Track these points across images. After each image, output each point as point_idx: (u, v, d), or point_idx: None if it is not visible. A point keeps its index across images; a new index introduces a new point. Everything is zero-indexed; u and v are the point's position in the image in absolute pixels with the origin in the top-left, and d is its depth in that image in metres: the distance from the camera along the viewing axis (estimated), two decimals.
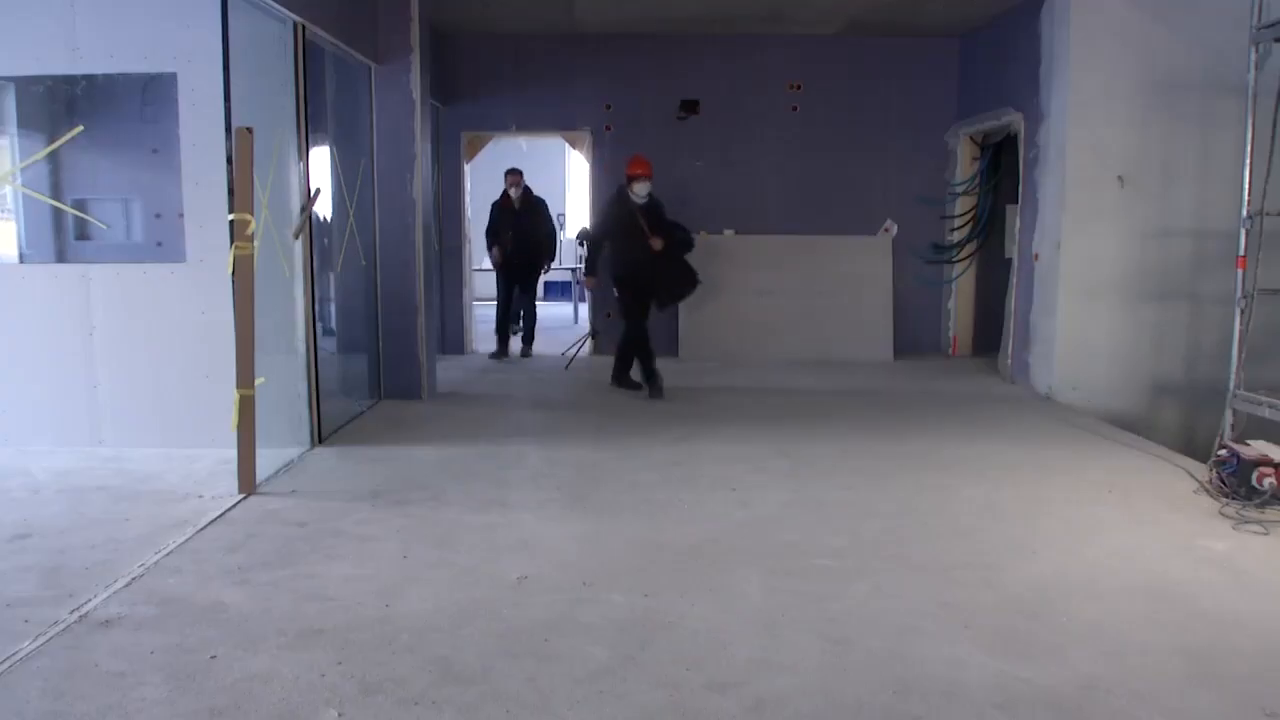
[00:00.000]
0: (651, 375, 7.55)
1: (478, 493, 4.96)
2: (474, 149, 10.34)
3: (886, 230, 9.60)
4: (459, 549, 4.10)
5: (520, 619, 3.37)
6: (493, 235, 9.74)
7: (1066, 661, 3.08)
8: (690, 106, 9.78)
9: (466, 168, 10.15)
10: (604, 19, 9.13)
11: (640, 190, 7.47)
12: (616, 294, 7.80)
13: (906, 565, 3.94)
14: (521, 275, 9.95)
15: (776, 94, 9.79)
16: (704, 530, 4.35)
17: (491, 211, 9.86)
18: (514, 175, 9.69)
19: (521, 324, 10.14)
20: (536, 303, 10.35)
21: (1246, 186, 5.56)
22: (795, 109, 9.74)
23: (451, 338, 10.05)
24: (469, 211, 10.31)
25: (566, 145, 12.45)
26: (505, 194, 9.74)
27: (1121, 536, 4.33)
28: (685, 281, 7.80)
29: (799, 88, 9.82)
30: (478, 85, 9.88)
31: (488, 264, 10.14)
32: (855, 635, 3.26)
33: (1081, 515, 4.64)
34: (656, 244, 7.43)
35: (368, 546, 4.12)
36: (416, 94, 7.25)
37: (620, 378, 7.81)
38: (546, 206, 10.18)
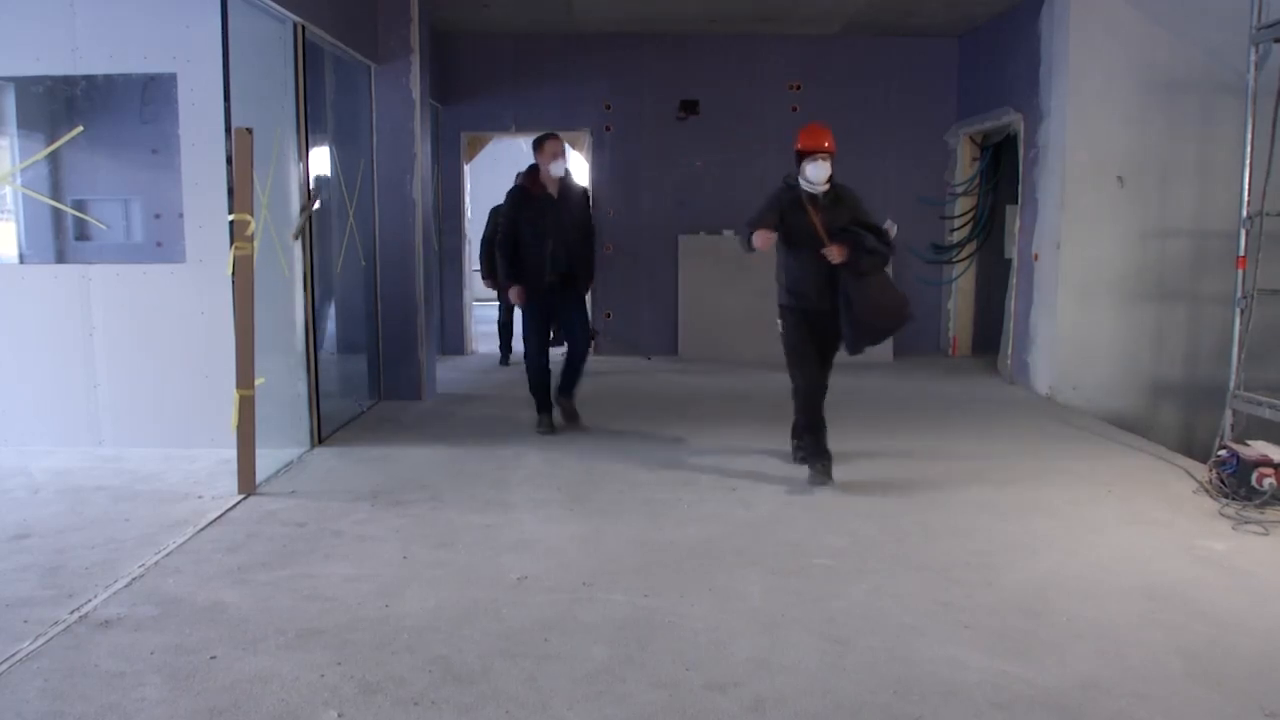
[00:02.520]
0: (819, 452, 5.18)
1: (477, 493, 4.96)
2: (474, 149, 10.34)
3: (886, 230, 9.59)
4: (458, 549, 4.10)
5: (520, 619, 3.37)
6: (511, 247, 6.15)
7: (1066, 661, 3.08)
8: (690, 107, 9.79)
9: (466, 168, 10.15)
10: (603, 19, 9.13)
11: (815, 174, 5.07)
12: (780, 327, 5.34)
13: (906, 565, 3.94)
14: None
15: (776, 94, 9.79)
16: (704, 530, 4.35)
17: (511, 204, 6.21)
18: (553, 142, 6.10)
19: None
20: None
21: (1246, 187, 5.56)
22: (795, 109, 9.74)
23: (451, 338, 10.05)
24: (469, 212, 10.30)
25: (566, 146, 12.43)
26: (532, 175, 6.13)
27: (1121, 537, 4.33)
28: (887, 311, 5.11)
29: (799, 88, 9.82)
30: (477, 85, 9.88)
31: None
32: (855, 635, 3.26)
33: (1081, 515, 4.64)
34: (835, 254, 4.94)
35: (367, 547, 4.12)
36: (416, 94, 7.25)
37: (810, 455, 5.22)
38: (589, 198, 6.91)
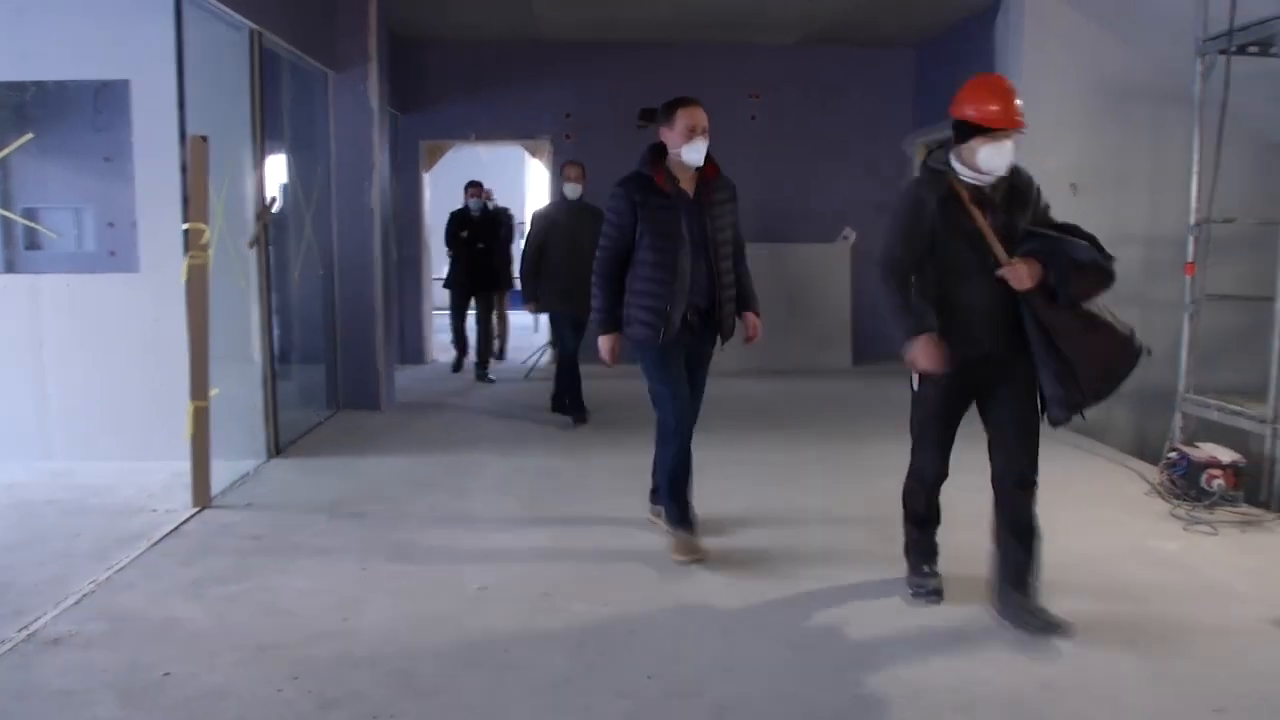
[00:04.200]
0: (929, 552, 3.83)
1: (438, 503, 4.93)
2: (433, 157, 10.29)
3: (845, 238, 9.67)
4: (418, 560, 4.07)
5: (480, 630, 3.35)
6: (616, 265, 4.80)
7: (1019, 667, 3.11)
8: (650, 115, 9.56)
9: (426, 176, 10.10)
10: (564, 27, 9.13)
11: (994, 162, 3.29)
12: (914, 383, 3.63)
13: (869, 569, 3.97)
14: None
15: (736, 103, 9.83)
16: (660, 540, 4.35)
17: (622, 200, 4.37)
18: (692, 112, 4.67)
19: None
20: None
21: (1194, 195, 5.68)
22: (754, 118, 9.80)
23: (411, 347, 9.98)
24: (428, 220, 10.24)
25: (526, 154, 12.40)
26: (657, 160, 5.66)
27: (1076, 539, 4.39)
28: (1110, 352, 3.37)
29: (758, 97, 9.88)
30: (436, 93, 9.83)
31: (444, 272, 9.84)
32: (818, 640, 3.28)
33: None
34: (1022, 277, 3.23)
35: (325, 559, 4.07)
36: (375, 102, 7.21)
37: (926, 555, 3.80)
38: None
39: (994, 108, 3.30)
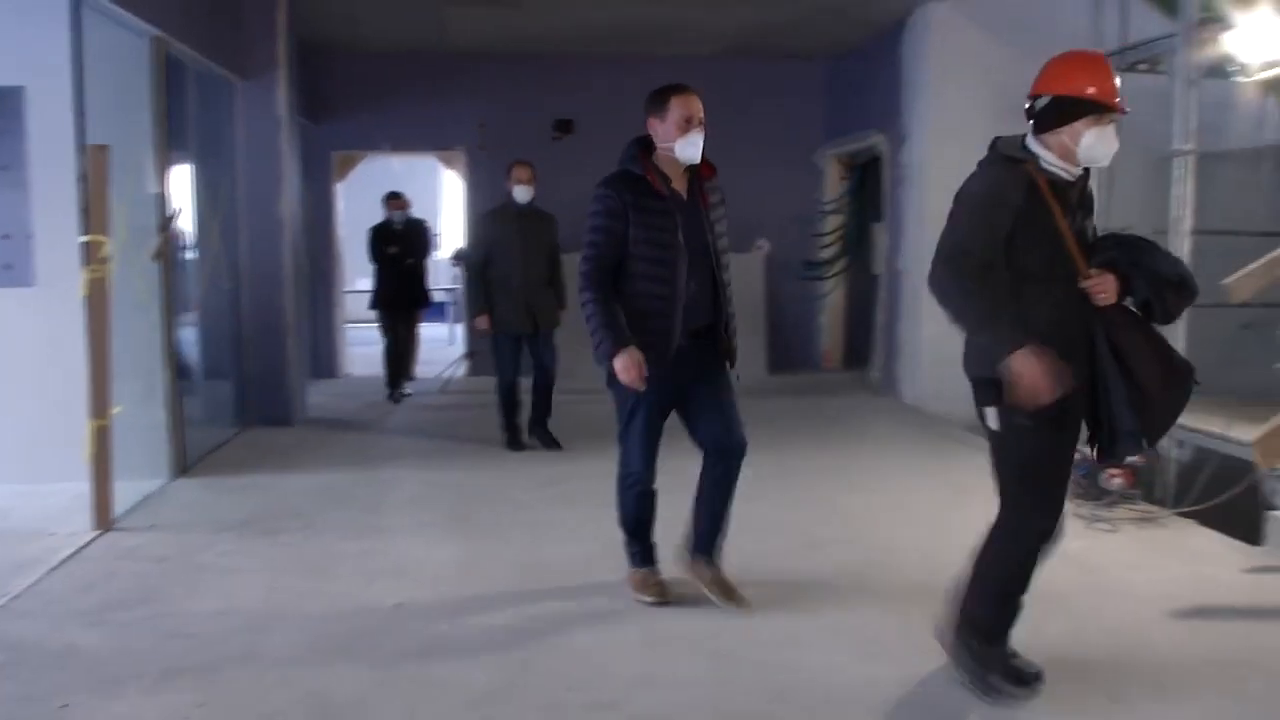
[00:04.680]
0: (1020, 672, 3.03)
1: (352, 519, 4.83)
2: (345, 168, 10.12)
3: (759, 248, 9.80)
4: (332, 578, 3.98)
5: (397, 647, 3.29)
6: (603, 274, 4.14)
7: (936, 663, 3.18)
8: (564, 126, 9.80)
9: (338, 187, 9.93)
10: (479, 37, 9.08)
11: (1096, 149, 2.85)
12: (994, 421, 2.91)
13: (785, 576, 4.02)
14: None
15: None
16: (585, 548, 4.34)
17: (611, 200, 3.90)
18: (687, 101, 3.79)
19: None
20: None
21: (1107, 205, 5.91)
22: None
23: (323, 361, 9.77)
24: (341, 231, 10.07)
25: (441, 165, 12.28)
26: (645, 157, 4.21)
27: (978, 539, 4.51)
28: (1176, 377, 2.85)
29: None
30: (349, 103, 9.68)
31: (362, 285, 9.63)
32: (737, 648, 3.30)
33: (947, 520, 4.81)
34: (1108, 290, 2.80)
35: (234, 580, 3.96)
36: (283, 111, 7.07)
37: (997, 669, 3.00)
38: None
39: (1111, 84, 2.81)
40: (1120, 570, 4.12)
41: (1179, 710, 2.90)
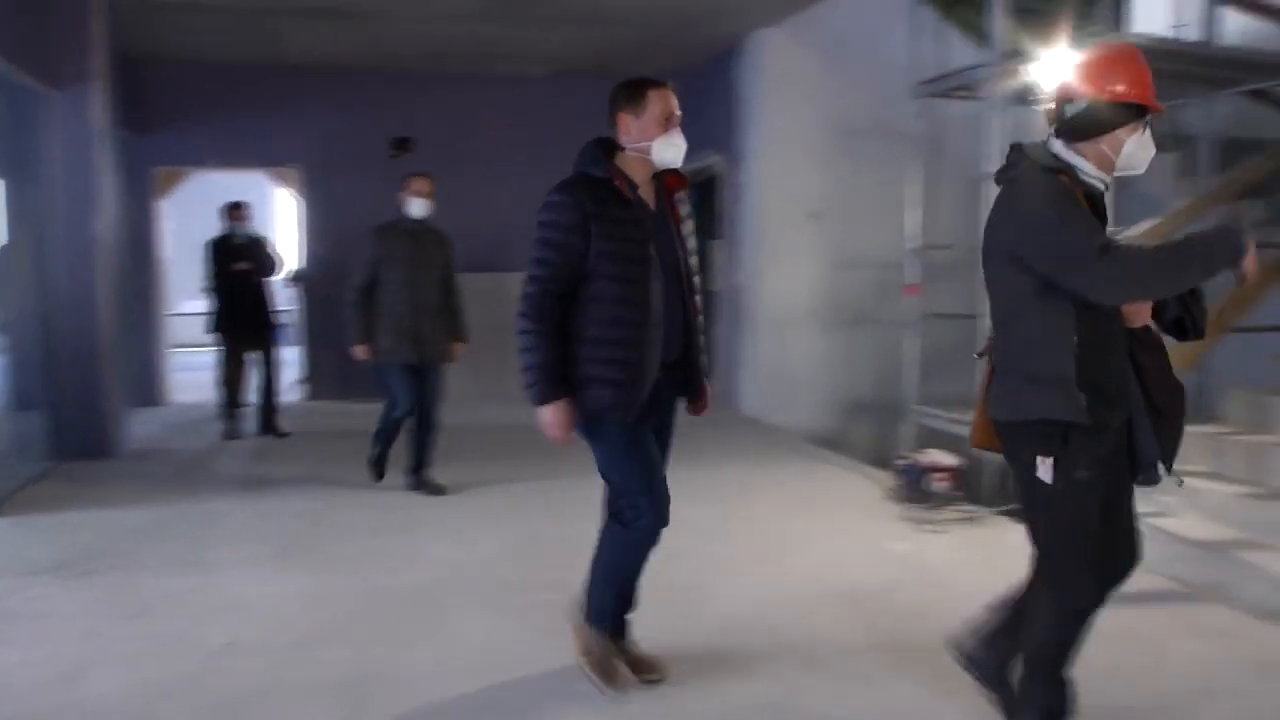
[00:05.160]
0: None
1: (178, 555, 4.58)
2: (170, 184, 9.63)
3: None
4: (155, 619, 3.76)
5: (226, 689, 3.13)
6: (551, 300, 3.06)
7: (778, 671, 3.26)
8: (402, 144, 9.60)
9: (162, 204, 9.43)
10: (314, 52, 8.82)
11: (1136, 156, 2.55)
12: (1046, 472, 2.48)
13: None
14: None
15: (489, 133, 9.82)
16: (422, 575, 4.25)
17: (572, 208, 3.07)
18: (663, 95, 3.14)
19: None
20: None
21: (914, 223, 6.24)
22: (506, 147, 9.80)
23: (147, 389, 9.23)
24: (166, 251, 9.56)
25: (272, 182, 11.84)
26: (609, 159, 3.18)
27: (821, 547, 4.67)
28: (1182, 397, 2.66)
29: (510, 126, 9.91)
30: (176, 116, 9.21)
31: (188, 308, 8.98)
32: (574, 673, 3.28)
33: (786, 530, 4.96)
34: (1140, 309, 2.57)
35: (46, 625, 3.69)
36: (99, 124, 6.67)
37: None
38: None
39: (1149, 82, 2.54)
40: (946, 569, 4.33)
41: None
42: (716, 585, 4.13)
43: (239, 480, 6.15)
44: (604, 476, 3.06)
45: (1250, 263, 2.34)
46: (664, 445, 3.18)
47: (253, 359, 7.69)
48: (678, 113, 3.05)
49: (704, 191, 9.79)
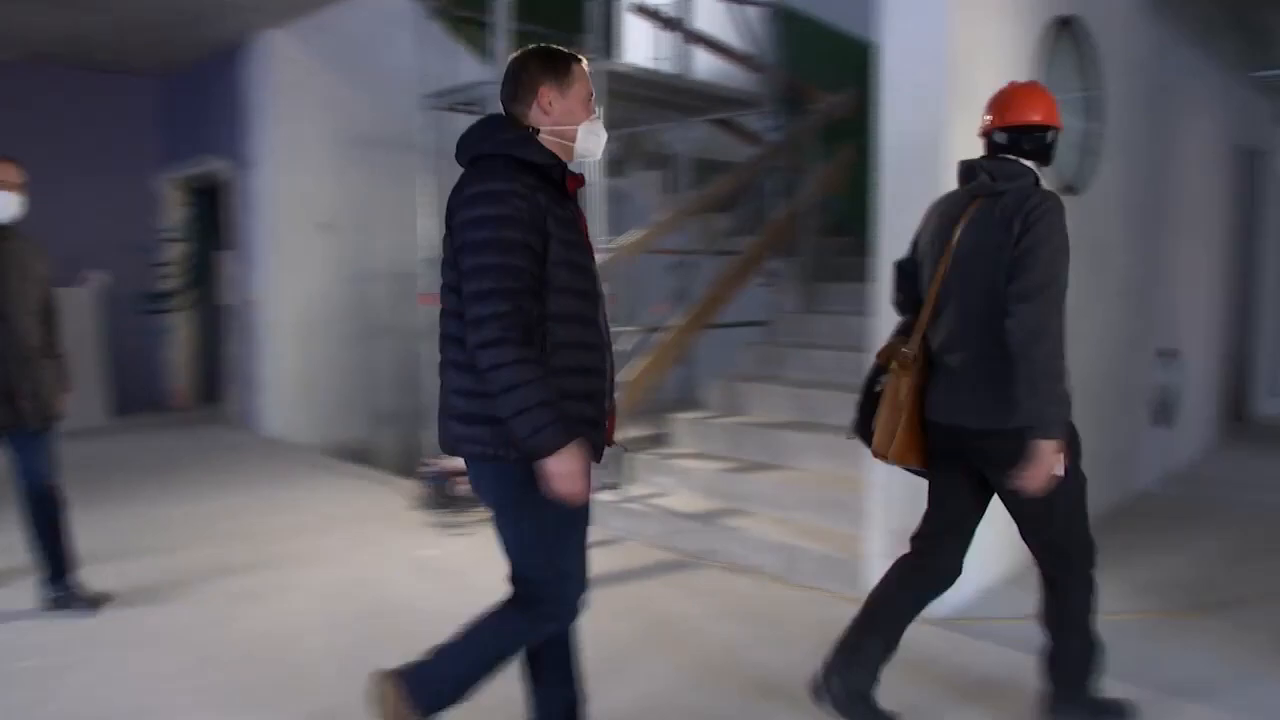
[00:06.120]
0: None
1: None
2: None
3: (85, 281, 8.76)
4: None
5: None
6: (528, 317, 2.35)
7: (316, 693, 3.13)
8: None
9: None
10: None
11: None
12: (1061, 468, 2.62)
13: (133, 640, 3.62)
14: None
15: None
16: None
17: (525, 207, 2.32)
18: (582, 73, 2.46)
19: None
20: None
21: (426, 232, 6.33)
22: None
23: None
24: None
25: None
26: (538, 144, 2.43)
27: (349, 562, 4.55)
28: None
29: None
30: None
31: None
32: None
33: (312, 550, 4.76)
34: None
35: None
36: None
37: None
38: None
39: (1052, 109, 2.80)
40: (473, 570, 4.43)
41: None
42: (238, 618, 3.84)
43: None
44: (532, 552, 2.44)
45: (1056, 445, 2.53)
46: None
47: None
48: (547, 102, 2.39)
49: (209, 199, 9.13)
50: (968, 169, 2.76)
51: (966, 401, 2.66)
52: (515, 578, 2.47)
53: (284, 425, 7.68)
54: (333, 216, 7.80)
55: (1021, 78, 4.14)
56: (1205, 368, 6.92)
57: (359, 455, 7.38)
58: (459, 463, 5.29)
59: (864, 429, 2.93)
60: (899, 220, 3.74)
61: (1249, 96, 7.68)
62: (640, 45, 7.26)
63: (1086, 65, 4.52)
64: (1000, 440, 2.59)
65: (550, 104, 2.36)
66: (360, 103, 7.90)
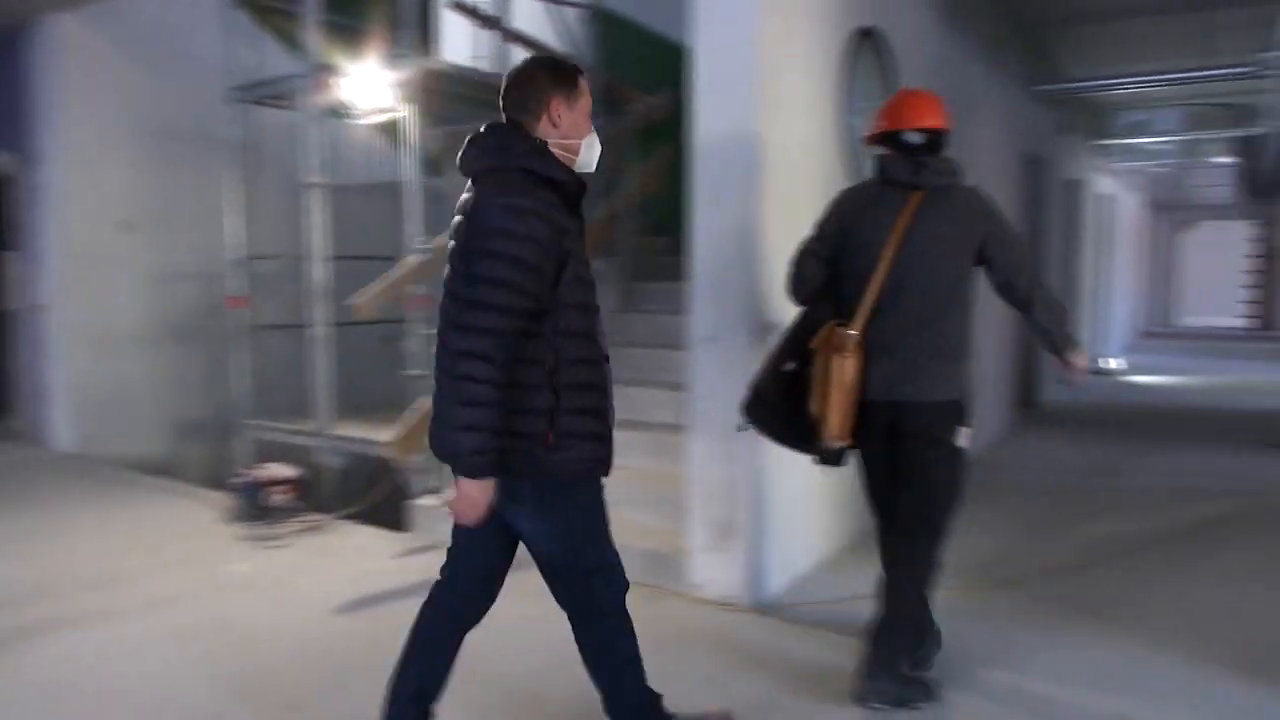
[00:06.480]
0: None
1: None
2: None
3: None
4: None
5: None
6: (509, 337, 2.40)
7: None
8: None
9: None
10: None
11: None
12: (966, 440, 3.09)
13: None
14: None
15: None
16: None
17: (538, 220, 2.37)
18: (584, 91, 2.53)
19: None
20: None
21: (235, 232, 6.04)
22: None
23: None
24: None
25: None
26: (552, 155, 2.48)
27: (158, 582, 4.28)
28: None
29: None
30: None
31: None
32: None
33: (115, 571, 4.45)
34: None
35: None
36: None
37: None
38: None
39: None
40: (290, 582, 4.26)
41: (348, 704, 3.09)
42: (22, 651, 3.55)
43: None
44: (581, 558, 2.48)
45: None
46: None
47: None
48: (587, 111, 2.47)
49: None
50: (915, 165, 2.95)
51: (916, 378, 2.92)
52: (568, 591, 2.52)
53: (81, 439, 7.15)
54: (132, 214, 7.32)
55: (828, 84, 4.34)
56: (999, 360, 7.43)
57: (164, 468, 6.96)
58: (276, 470, 5.07)
59: (762, 416, 3.08)
60: (712, 219, 3.85)
61: (1034, 108, 8.30)
62: (458, 43, 7.16)
63: (887, 73, 4.76)
64: (934, 410, 2.92)
65: (560, 116, 2.38)
66: (162, 93, 7.44)
